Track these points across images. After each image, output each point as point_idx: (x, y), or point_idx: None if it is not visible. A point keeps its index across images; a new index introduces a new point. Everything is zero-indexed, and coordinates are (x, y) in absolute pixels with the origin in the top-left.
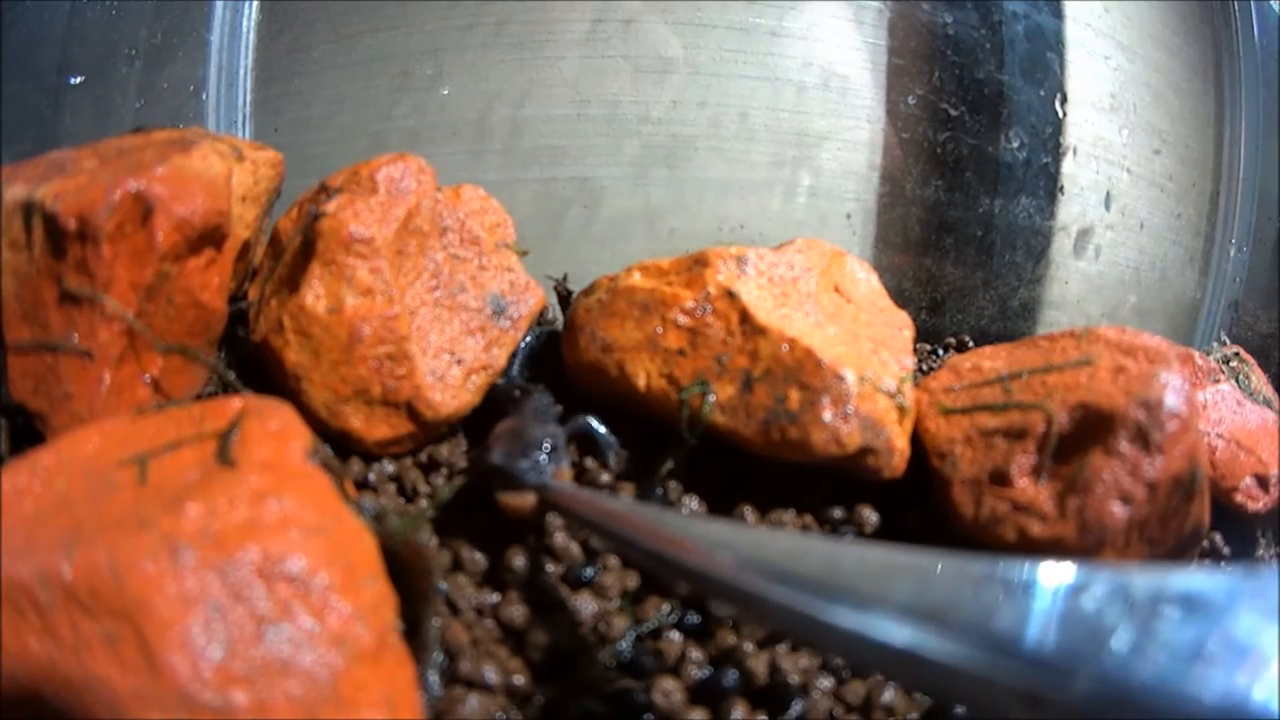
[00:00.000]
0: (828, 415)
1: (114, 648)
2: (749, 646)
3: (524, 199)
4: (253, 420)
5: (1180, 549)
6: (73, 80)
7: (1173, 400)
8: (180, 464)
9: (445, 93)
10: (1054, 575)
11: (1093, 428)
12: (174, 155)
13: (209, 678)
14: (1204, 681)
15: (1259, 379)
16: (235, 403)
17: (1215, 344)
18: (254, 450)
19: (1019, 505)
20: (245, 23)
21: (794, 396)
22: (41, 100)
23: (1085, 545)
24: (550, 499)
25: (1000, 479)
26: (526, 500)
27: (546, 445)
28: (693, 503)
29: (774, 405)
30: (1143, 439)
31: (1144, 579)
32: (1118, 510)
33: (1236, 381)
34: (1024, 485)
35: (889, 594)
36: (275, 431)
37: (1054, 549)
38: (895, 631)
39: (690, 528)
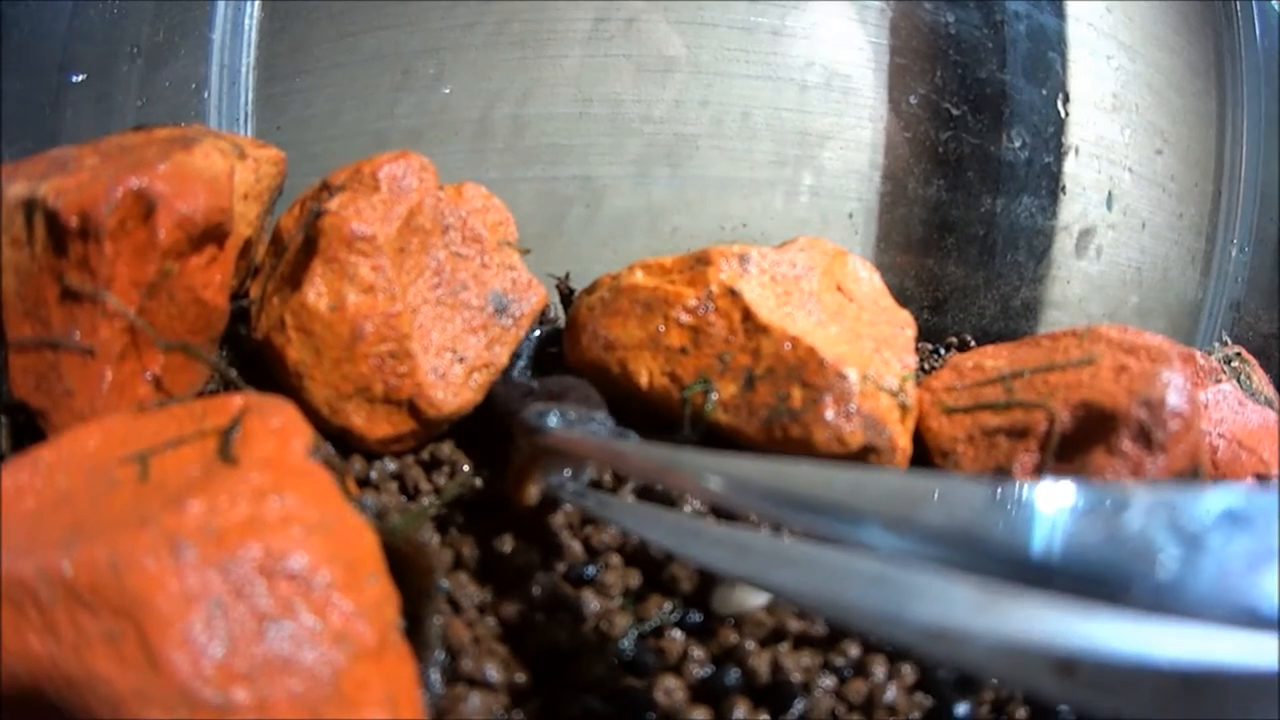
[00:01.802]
0: (830, 414)
1: (115, 645)
2: (751, 645)
3: (526, 198)
4: (254, 417)
5: None
6: (74, 78)
7: (1175, 399)
8: (181, 461)
9: (447, 91)
10: (1088, 495)
11: (1095, 426)
12: (176, 152)
13: (210, 675)
14: (1262, 591)
15: (1260, 379)
16: (237, 400)
17: (1217, 344)
18: (255, 447)
19: None
20: (247, 21)
21: (796, 395)
22: (43, 98)
23: None
24: (553, 444)
25: (1002, 477)
26: (531, 492)
27: (571, 413)
28: (694, 501)
29: (776, 404)
30: (1145, 438)
31: (1184, 497)
32: None
33: (1238, 381)
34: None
35: (919, 517)
36: (277, 429)
37: None
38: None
39: (682, 456)
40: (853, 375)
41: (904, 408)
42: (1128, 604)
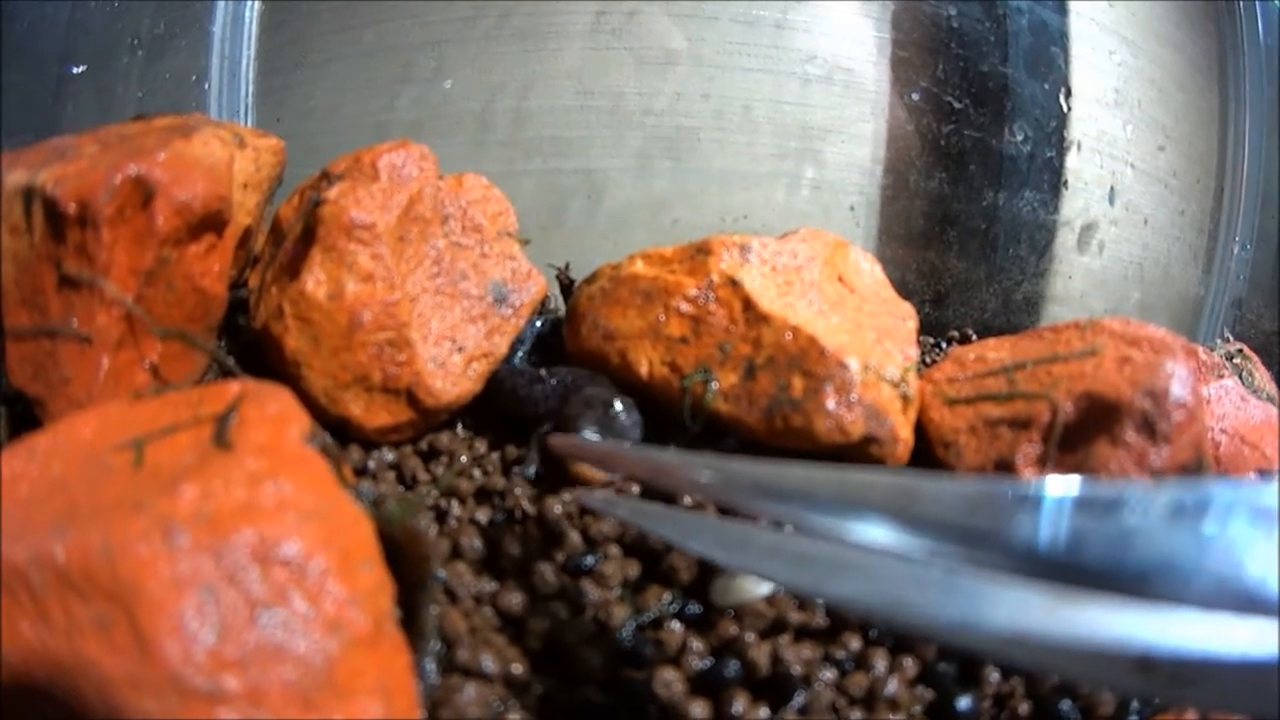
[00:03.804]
0: (831, 403)
1: (106, 631)
2: (751, 637)
3: (527, 190)
4: (251, 404)
5: None
6: (75, 70)
7: (1179, 390)
8: (177, 447)
9: (448, 84)
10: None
11: (1098, 417)
12: (175, 140)
13: (201, 662)
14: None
15: (1262, 376)
16: (233, 387)
17: (1219, 341)
18: (251, 433)
19: None
20: (248, 13)
21: (797, 384)
22: (43, 89)
23: None
24: (558, 449)
25: (1005, 468)
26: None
27: (637, 431)
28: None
29: (777, 393)
30: (1149, 428)
31: (1183, 490)
32: None
33: (1240, 378)
34: (1029, 475)
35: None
36: (273, 415)
37: None
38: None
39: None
40: (854, 365)
41: (905, 398)
42: (1137, 594)
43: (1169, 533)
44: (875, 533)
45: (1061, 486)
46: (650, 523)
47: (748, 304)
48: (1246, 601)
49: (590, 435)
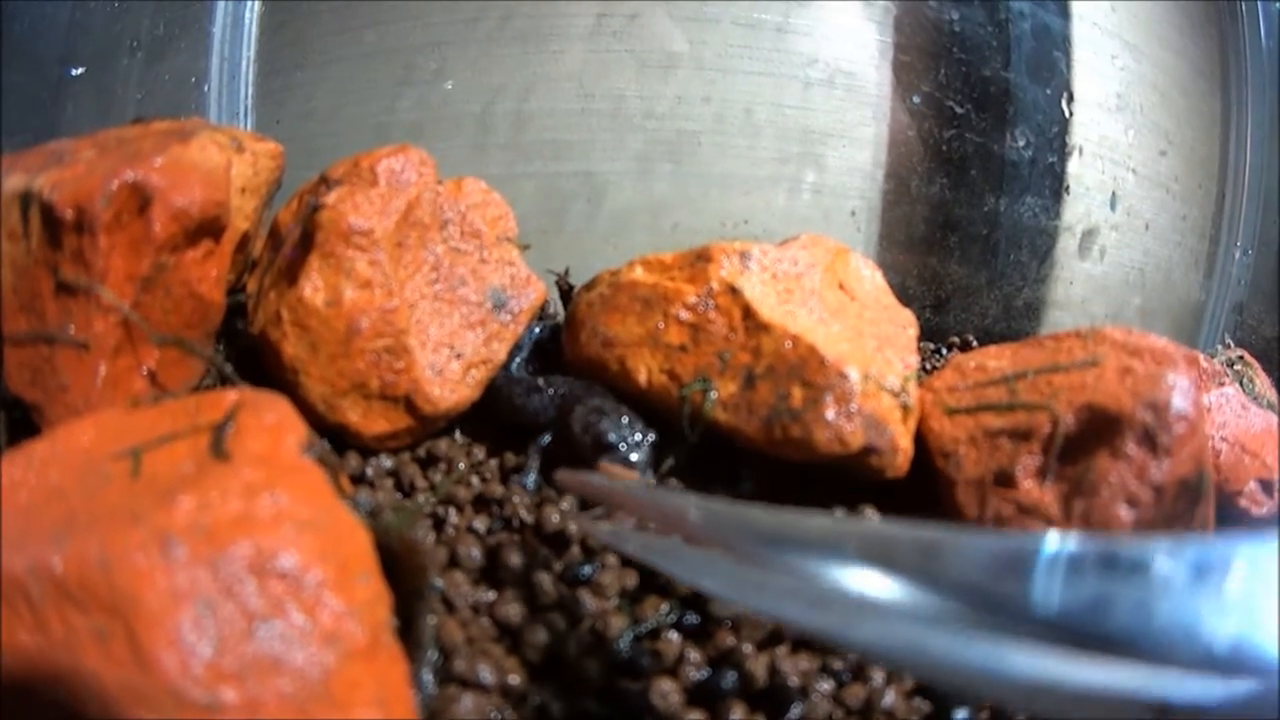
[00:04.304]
0: (831, 413)
1: (104, 643)
2: (748, 648)
3: (527, 193)
4: (248, 413)
5: None
6: (74, 71)
7: (1180, 402)
8: (174, 457)
9: (449, 86)
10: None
11: (1099, 429)
12: (173, 145)
13: (199, 675)
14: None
15: (1263, 383)
16: (230, 395)
17: (1219, 347)
18: (248, 443)
19: (1024, 507)
20: (248, 15)
21: (797, 394)
22: (43, 91)
23: None
24: (566, 486)
25: (1005, 480)
26: (632, 477)
27: (650, 440)
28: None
29: (776, 403)
30: (1150, 441)
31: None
32: (1124, 513)
33: (1240, 385)
34: (1029, 487)
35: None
36: (270, 425)
37: None
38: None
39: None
40: (854, 374)
41: (905, 408)
42: (1159, 660)
43: (1192, 596)
44: (894, 590)
45: (1082, 545)
46: (661, 560)
47: (747, 312)
48: (1266, 664)
49: (608, 441)
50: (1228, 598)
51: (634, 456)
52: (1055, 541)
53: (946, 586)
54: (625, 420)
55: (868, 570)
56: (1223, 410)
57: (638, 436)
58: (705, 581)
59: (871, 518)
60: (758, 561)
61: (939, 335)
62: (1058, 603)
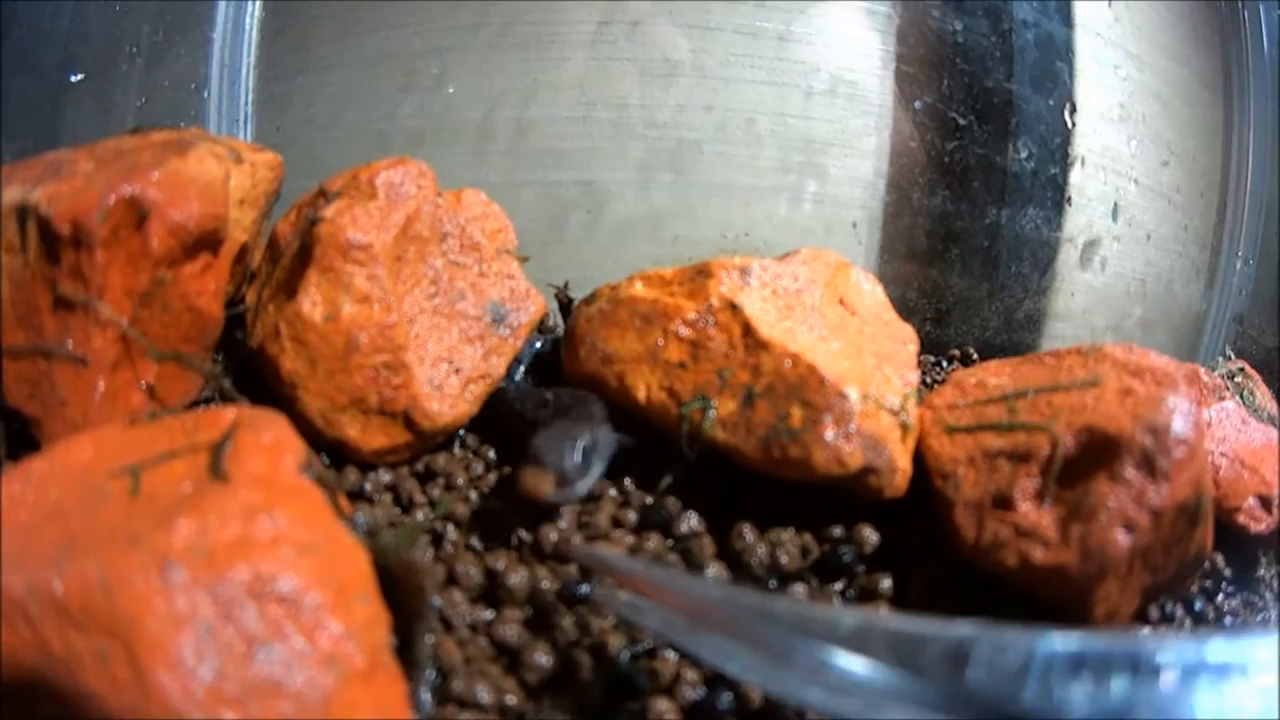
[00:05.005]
0: (830, 434)
1: (105, 665)
2: None
3: (527, 201)
4: (246, 432)
5: (1182, 575)
6: (74, 77)
7: (1180, 425)
8: (173, 476)
9: (450, 92)
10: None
11: (1098, 452)
12: (170, 159)
13: (200, 698)
14: None
15: (1264, 395)
16: (228, 414)
17: (1220, 359)
18: (246, 463)
19: (1021, 530)
20: (248, 20)
21: (796, 414)
22: (43, 97)
23: (1087, 573)
24: (579, 559)
25: (1003, 502)
26: (544, 484)
27: (585, 440)
28: (691, 519)
29: (775, 422)
30: (1149, 465)
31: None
32: (1121, 539)
33: (1241, 397)
34: (1027, 510)
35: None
36: (268, 444)
37: (1055, 576)
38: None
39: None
40: (853, 394)
41: (905, 427)
42: None
43: (1199, 700)
44: (920, 686)
45: (1085, 644)
46: (682, 638)
47: (747, 329)
48: None
49: (538, 446)
50: (1232, 700)
51: (565, 464)
52: (1050, 641)
53: (973, 690)
54: (578, 440)
55: (895, 668)
56: (1222, 425)
57: (578, 450)
58: (729, 665)
59: (895, 615)
60: (781, 650)
61: (939, 347)
62: (1085, 710)
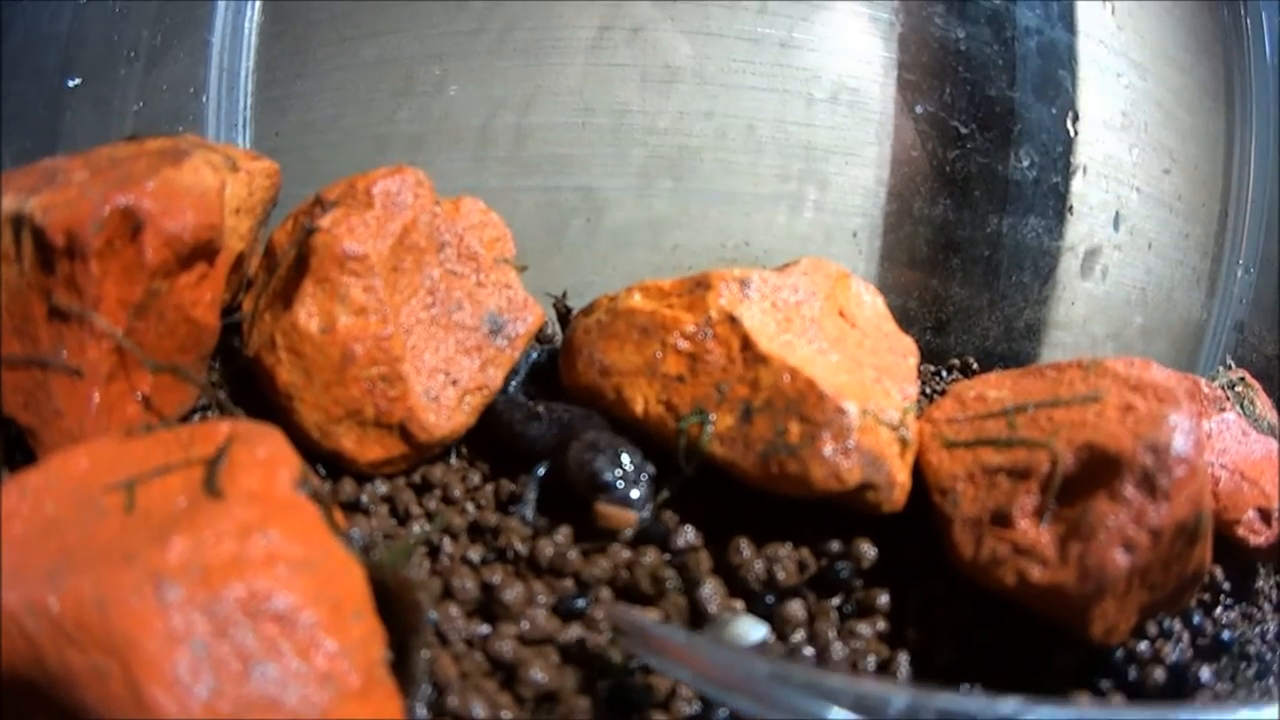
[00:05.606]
0: (828, 449)
1: (102, 682)
2: None
3: (526, 208)
4: (240, 447)
5: (1180, 592)
6: (72, 81)
7: (1181, 444)
8: (168, 491)
9: (450, 96)
10: None
11: (1098, 470)
12: (165, 168)
13: (196, 716)
14: None
15: (1264, 405)
16: (223, 428)
17: (1220, 368)
18: (241, 479)
19: (1020, 548)
20: (247, 24)
21: (794, 429)
22: (41, 100)
23: (1085, 592)
24: (615, 622)
25: (1002, 519)
26: (628, 518)
27: (648, 474)
28: (688, 533)
29: (774, 438)
30: (1149, 485)
31: None
32: (1120, 558)
33: (1241, 407)
34: (1025, 527)
35: None
36: (263, 459)
37: (1053, 595)
38: None
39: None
40: (852, 409)
41: (904, 442)
42: None
43: None
44: None
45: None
46: (721, 695)
47: (746, 343)
48: None
49: (603, 481)
50: None
51: (633, 494)
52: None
53: None
54: (623, 456)
55: None
56: (1222, 436)
57: (635, 473)
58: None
59: (947, 692)
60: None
61: (939, 357)
62: None
